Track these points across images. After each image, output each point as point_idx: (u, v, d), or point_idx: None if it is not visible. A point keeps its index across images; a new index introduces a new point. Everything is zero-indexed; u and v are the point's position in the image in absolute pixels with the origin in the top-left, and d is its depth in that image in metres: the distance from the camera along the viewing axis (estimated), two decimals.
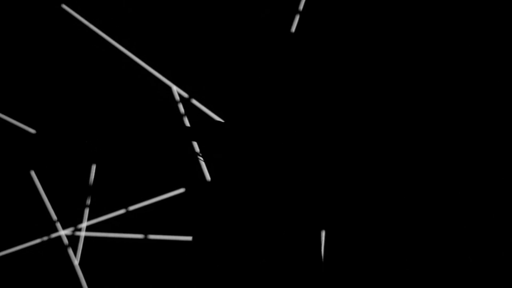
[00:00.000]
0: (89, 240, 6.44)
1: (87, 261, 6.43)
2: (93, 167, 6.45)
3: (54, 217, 6.42)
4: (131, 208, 6.45)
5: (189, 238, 6.39)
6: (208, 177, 6.47)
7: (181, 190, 6.45)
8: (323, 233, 6.39)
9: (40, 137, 6.45)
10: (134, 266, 6.43)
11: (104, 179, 6.47)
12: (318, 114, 6.54)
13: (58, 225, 6.43)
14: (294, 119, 6.54)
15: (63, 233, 6.42)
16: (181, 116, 6.47)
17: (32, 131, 6.43)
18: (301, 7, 6.51)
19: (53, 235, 6.42)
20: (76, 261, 6.40)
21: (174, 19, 6.52)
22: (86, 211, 6.43)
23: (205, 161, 6.44)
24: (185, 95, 6.48)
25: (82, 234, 6.42)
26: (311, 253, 4.24)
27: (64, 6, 6.46)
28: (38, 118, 6.46)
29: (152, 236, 6.45)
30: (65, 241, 6.42)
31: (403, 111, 6.52)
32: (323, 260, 4.31)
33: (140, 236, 6.45)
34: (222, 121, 4.40)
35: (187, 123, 6.47)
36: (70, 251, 6.41)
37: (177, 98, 6.48)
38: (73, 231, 6.43)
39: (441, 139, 6.51)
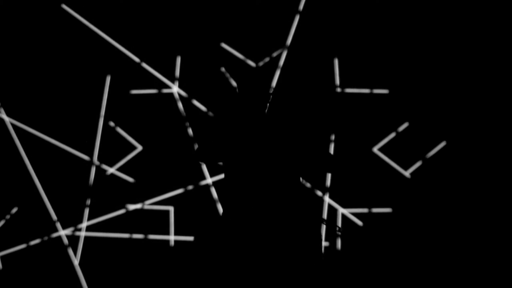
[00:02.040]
0: (89, 240, 6.44)
1: (87, 261, 6.42)
2: (93, 167, 6.45)
3: (54, 217, 6.42)
4: (131, 208, 6.45)
5: (190, 238, 6.39)
6: (208, 177, 6.47)
7: (182, 190, 6.46)
8: (323, 229, 6.40)
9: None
10: (134, 266, 6.42)
11: (104, 179, 6.47)
12: (317, 113, 6.54)
13: (58, 225, 6.43)
14: (293, 118, 6.55)
15: (63, 233, 6.42)
16: (182, 116, 6.47)
17: (32, 131, 6.44)
18: (301, 7, 6.52)
19: (53, 235, 6.42)
20: (76, 261, 6.40)
21: (174, 19, 6.52)
22: (86, 211, 6.43)
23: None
24: (186, 95, 6.49)
25: (82, 234, 6.42)
26: (311, 251, 4.24)
27: (64, 6, 6.46)
28: (38, 117, 6.45)
29: (152, 236, 6.45)
30: (65, 241, 6.41)
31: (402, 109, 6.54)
32: (323, 257, 4.30)
33: (140, 236, 6.45)
34: (220, 121, 4.39)
35: (187, 123, 6.47)
36: (70, 251, 6.41)
37: (177, 98, 6.48)
38: (73, 231, 6.43)
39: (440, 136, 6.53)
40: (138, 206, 6.43)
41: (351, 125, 6.51)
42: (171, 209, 6.43)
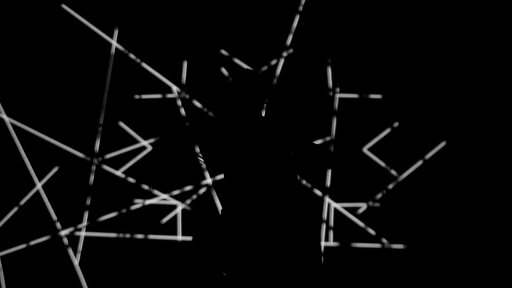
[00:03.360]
0: (89, 240, 6.44)
1: (87, 261, 6.42)
2: (93, 167, 6.45)
3: (54, 217, 6.42)
4: (131, 208, 6.45)
5: (189, 238, 6.39)
6: (208, 176, 6.47)
7: (182, 190, 6.46)
8: (322, 230, 6.40)
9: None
10: (134, 266, 6.43)
11: (104, 179, 6.47)
12: (316, 111, 6.55)
13: (58, 225, 6.43)
14: (291, 118, 6.55)
15: (63, 233, 6.42)
16: (182, 115, 6.48)
17: (33, 131, 6.44)
18: (301, 7, 6.52)
19: (53, 235, 6.42)
20: (76, 261, 6.40)
21: (174, 20, 6.51)
22: (86, 211, 6.43)
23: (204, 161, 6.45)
24: (186, 95, 6.49)
25: (82, 234, 6.42)
26: (310, 250, 4.24)
27: (64, 6, 6.46)
28: (38, 117, 6.46)
29: (152, 236, 6.45)
30: (65, 241, 6.41)
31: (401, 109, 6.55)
32: (322, 258, 4.31)
33: (140, 236, 6.45)
34: (220, 120, 4.40)
35: (187, 123, 6.47)
36: (70, 251, 6.41)
37: (177, 97, 6.48)
38: (73, 231, 6.43)
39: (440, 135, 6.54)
40: (139, 204, 6.44)
41: (345, 128, 6.52)
42: (179, 204, 6.43)
